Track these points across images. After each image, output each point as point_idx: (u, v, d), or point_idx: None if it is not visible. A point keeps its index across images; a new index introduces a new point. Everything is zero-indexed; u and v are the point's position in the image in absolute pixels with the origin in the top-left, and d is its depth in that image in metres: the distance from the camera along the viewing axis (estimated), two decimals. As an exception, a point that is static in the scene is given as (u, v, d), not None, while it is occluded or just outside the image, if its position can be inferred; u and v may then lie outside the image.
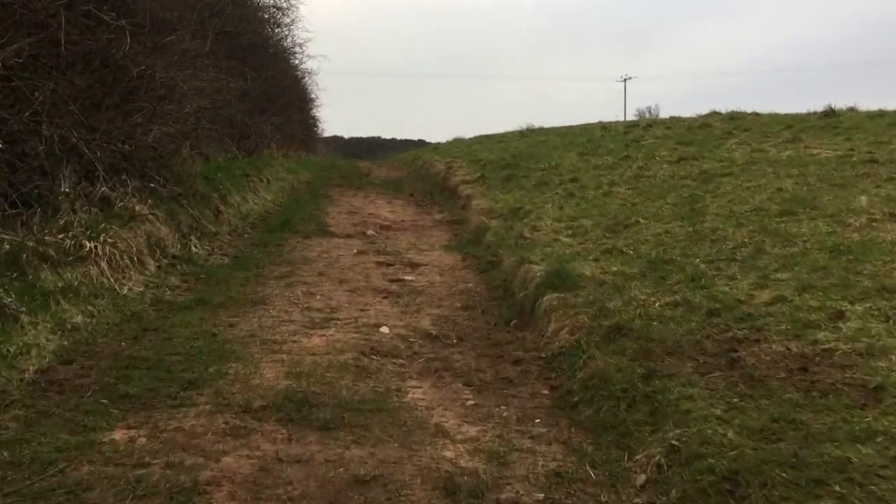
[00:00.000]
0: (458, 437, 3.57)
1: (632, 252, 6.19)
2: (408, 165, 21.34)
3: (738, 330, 4.08)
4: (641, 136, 14.30)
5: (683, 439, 3.09)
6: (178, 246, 7.71)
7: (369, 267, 7.67)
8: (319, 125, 35.40)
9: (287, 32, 22.13)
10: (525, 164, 12.75)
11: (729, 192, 7.83)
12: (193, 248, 7.91)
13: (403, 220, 11.01)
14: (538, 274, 5.68)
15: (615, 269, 5.63)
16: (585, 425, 3.62)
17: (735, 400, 3.36)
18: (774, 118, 14.80)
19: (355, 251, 8.55)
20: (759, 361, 3.67)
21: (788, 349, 3.72)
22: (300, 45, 22.64)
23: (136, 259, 6.54)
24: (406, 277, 7.20)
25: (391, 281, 7.09)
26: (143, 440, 3.45)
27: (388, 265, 7.85)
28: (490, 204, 9.91)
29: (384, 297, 6.49)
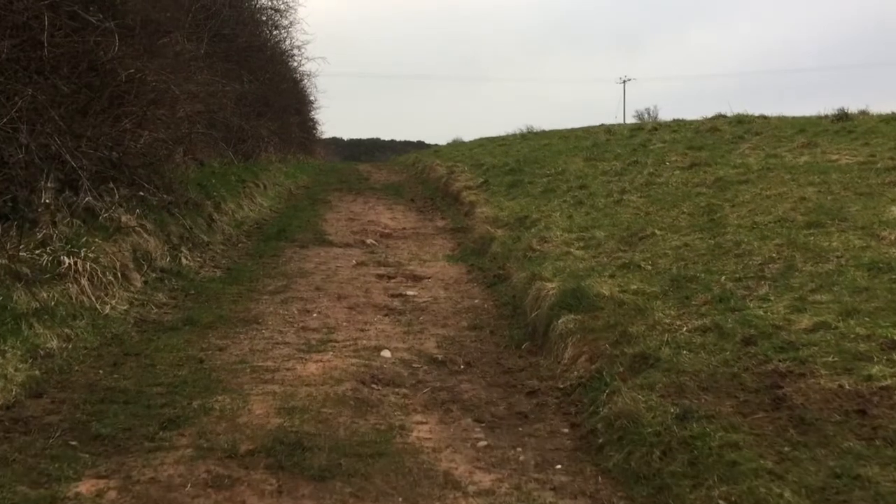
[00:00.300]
0: (471, 488, 3.16)
1: (650, 267, 5.78)
2: (408, 169, 20.95)
3: (780, 362, 3.67)
4: (648, 139, 13.90)
5: (733, 499, 2.68)
6: (168, 258, 7.30)
7: (369, 280, 7.27)
8: (318, 128, 35.00)
9: (285, 35, 21.77)
10: (530, 169, 12.35)
11: (748, 201, 7.42)
12: (184, 261, 7.50)
13: (404, 228, 10.60)
14: (551, 292, 5.27)
15: (634, 287, 5.22)
16: (614, 474, 3.21)
17: (786, 449, 2.95)
18: (784, 122, 14.40)
19: (354, 262, 8.14)
20: (809, 401, 3.26)
21: (841, 386, 3.32)
22: (298, 48, 22.22)
23: (120, 274, 6.13)
24: (408, 292, 6.79)
25: (392, 296, 6.68)
26: (112, 493, 3.04)
27: (389, 278, 7.44)
28: (495, 212, 9.51)
29: (385, 315, 6.09)
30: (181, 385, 4.25)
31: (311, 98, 29.60)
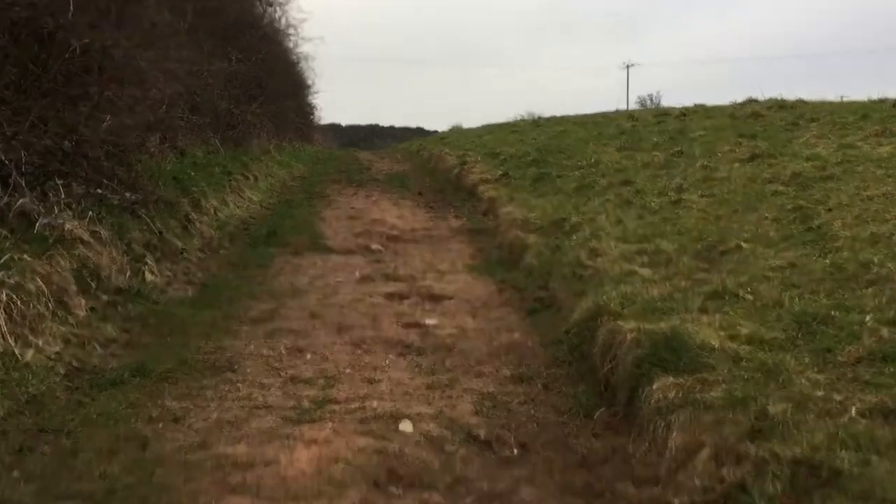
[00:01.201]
0: None
1: (751, 297, 4.36)
2: (412, 157, 19.47)
3: None
4: (684, 126, 12.45)
5: None
6: (127, 274, 5.87)
7: (377, 302, 5.84)
8: (316, 113, 33.48)
9: (280, 13, 20.20)
10: (554, 159, 10.90)
11: (847, 203, 5.99)
12: (148, 276, 6.08)
13: (414, 229, 9.17)
14: (630, 336, 3.85)
15: (746, 330, 3.80)
16: None
17: None
18: (837, 106, 12.93)
19: (358, 276, 6.72)
20: None
21: None
22: (294, 27, 20.62)
23: (54, 302, 4.70)
24: (427, 321, 5.36)
25: (407, 326, 5.26)
26: None
27: (402, 298, 6.03)
28: (523, 212, 8.07)
29: (399, 355, 4.68)
30: (105, 498, 2.84)
31: (309, 82, 28.02)
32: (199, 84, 11.58)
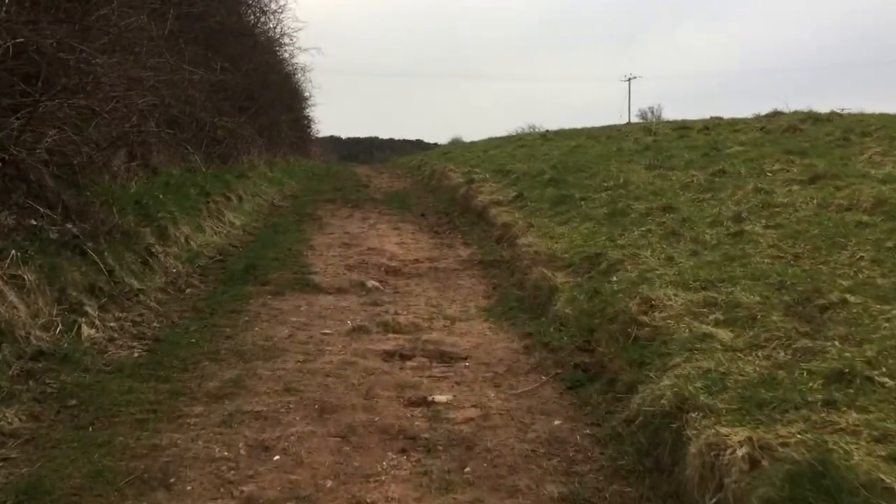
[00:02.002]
0: None
1: (891, 382, 3.11)
2: (412, 173, 18.27)
3: None
4: (714, 141, 11.26)
5: None
6: (56, 330, 4.63)
7: (372, 367, 4.59)
8: (313, 126, 32.37)
9: (275, 22, 19.07)
10: (574, 178, 9.68)
11: (966, 240, 4.76)
12: (86, 330, 4.83)
13: (418, 259, 7.93)
14: (743, 455, 2.60)
15: (913, 449, 2.55)
16: None
17: None
18: (879, 119, 11.74)
19: (350, 326, 5.47)
20: None
21: None
22: (289, 35, 19.49)
23: (-69, 384, 3.46)
24: (437, 396, 4.11)
25: (412, 404, 4.01)
26: None
27: (404, 357, 4.78)
28: (546, 243, 6.84)
29: (401, 453, 3.43)
30: None
31: (306, 94, 26.93)
32: (177, 94, 10.41)
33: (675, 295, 4.53)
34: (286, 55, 21.70)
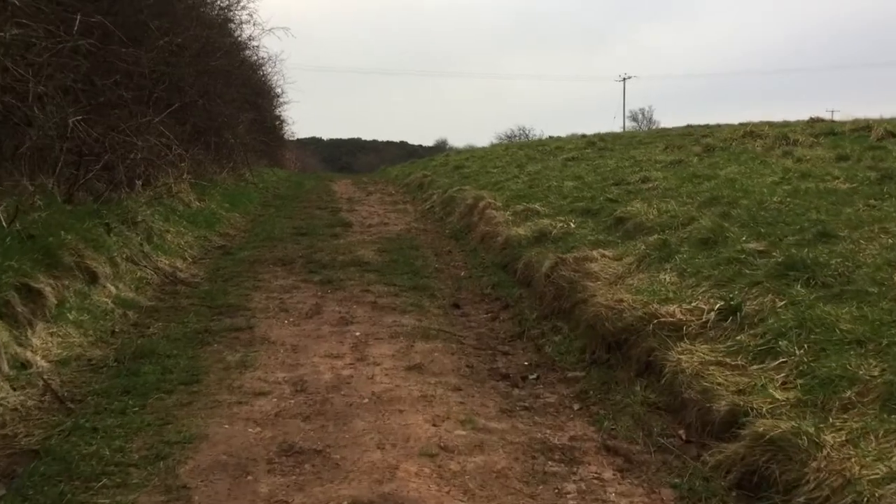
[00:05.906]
0: None
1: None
2: (412, 193, 13.10)
3: None
4: (787, 150, 6.41)
5: None
6: None
7: None
8: (287, 127, 27.04)
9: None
10: (774, 236, 4.60)
11: None
12: None
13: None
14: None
15: None
16: None
17: None
18: None
19: None
20: None
21: None
22: (248, 10, 14.14)
23: None
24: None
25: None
26: None
27: None
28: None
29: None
30: None
31: (277, 89, 21.68)
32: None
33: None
34: (244, 35, 16.45)
